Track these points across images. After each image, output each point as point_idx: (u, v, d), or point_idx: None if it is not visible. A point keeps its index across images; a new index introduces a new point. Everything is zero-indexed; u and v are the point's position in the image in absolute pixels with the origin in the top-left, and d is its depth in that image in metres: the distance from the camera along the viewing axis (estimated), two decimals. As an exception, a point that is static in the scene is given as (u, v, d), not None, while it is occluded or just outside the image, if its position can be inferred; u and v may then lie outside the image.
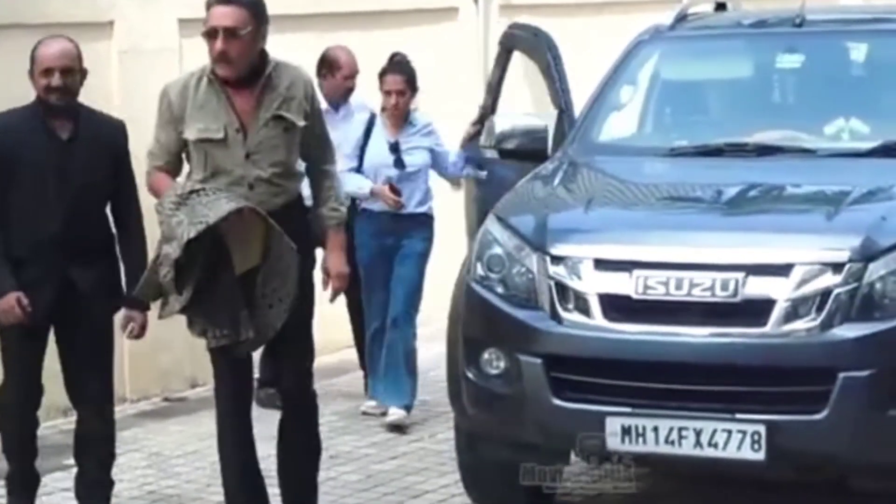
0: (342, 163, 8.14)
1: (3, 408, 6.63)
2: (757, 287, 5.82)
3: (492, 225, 6.48)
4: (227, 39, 5.92)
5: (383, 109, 8.54)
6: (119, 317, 6.56)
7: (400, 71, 8.50)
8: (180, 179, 6.12)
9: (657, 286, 5.91)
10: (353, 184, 8.25)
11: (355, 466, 7.55)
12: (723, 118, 7.38)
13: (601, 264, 6.01)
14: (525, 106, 9.32)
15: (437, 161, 8.60)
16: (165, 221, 5.81)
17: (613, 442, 5.91)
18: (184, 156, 6.17)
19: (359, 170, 8.42)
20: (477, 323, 6.35)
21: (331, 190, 6.29)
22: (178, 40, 8.82)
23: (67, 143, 6.43)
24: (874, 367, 5.71)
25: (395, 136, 8.50)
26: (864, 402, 5.71)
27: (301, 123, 6.08)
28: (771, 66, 7.57)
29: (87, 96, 8.48)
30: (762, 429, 5.74)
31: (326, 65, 8.83)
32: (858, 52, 7.62)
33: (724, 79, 7.73)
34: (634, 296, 5.92)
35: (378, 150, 8.46)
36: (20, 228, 6.37)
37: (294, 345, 6.21)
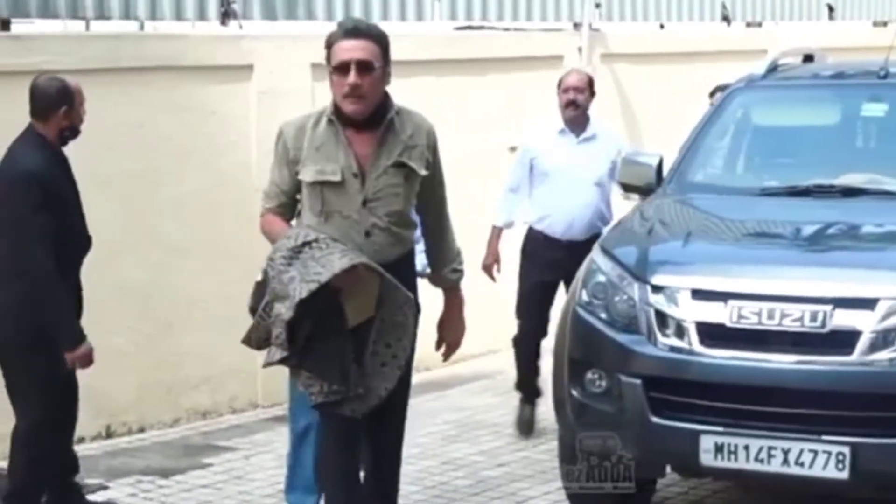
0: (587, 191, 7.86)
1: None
2: (844, 319, 5.72)
3: (597, 255, 6.44)
4: (361, 73, 5.22)
5: None
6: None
7: None
8: (294, 223, 5.53)
9: (750, 315, 5.82)
10: None
11: (466, 472, 7.48)
12: (810, 162, 7.22)
13: (698, 294, 5.93)
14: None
15: None
16: (276, 277, 5.10)
17: (707, 458, 5.81)
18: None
19: None
20: (581, 345, 6.28)
21: (451, 251, 5.65)
22: (311, 83, 8.82)
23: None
24: (953, 395, 5.60)
25: None
26: (943, 426, 5.60)
27: (423, 172, 5.40)
28: (856, 114, 7.45)
29: (229, 133, 8.62)
30: (846, 450, 5.64)
31: (558, 85, 8.17)
32: (939, 102, 7.50)
33: (812, 125, 7.61)
34: (729, 324, 5.84)
35: None
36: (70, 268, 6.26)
37: (388, 413, 5.42)
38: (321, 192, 5.33)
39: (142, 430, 8.26)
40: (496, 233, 8.21)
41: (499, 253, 8.21)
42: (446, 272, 5.67)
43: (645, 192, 7.19)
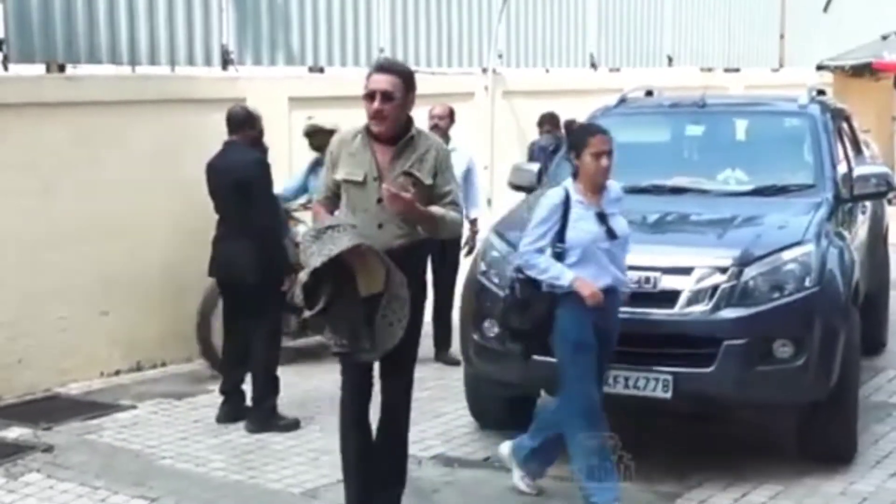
0: None
1: None
2: (669, 282, 5.71)
3: (492, 236, 6.36)
4: (383, 101, 4.78)
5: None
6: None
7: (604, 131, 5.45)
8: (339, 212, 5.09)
9: (603, 280, 5.74)
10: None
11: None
12: (649, 168, 7.12)
13: (565, 265, 5.83)
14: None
15: None
16: (304, 251, 4.81)
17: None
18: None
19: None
20: (480, 302, 6.19)
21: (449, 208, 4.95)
22: (288, 111, 8.70)
23: None
24: (746, 337, 5.59)
25: (601, 206, 5.48)
26: (739, 360, 5.57)
27: (428, 181, 4.89)
28: (682, 133, 7.42)
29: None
30: (670, 377, 5.63)
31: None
32: (741, 125, 7.46)
33: (650, 141, 7.55)
34: (588, 286, 5.75)
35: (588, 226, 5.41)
36: None
37: (398, 365, 5.03)
38: (348, 190, 4.95)
39: (164, 365, 8.10)
40: None
41: None
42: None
43: (528, 190, 7.12)
